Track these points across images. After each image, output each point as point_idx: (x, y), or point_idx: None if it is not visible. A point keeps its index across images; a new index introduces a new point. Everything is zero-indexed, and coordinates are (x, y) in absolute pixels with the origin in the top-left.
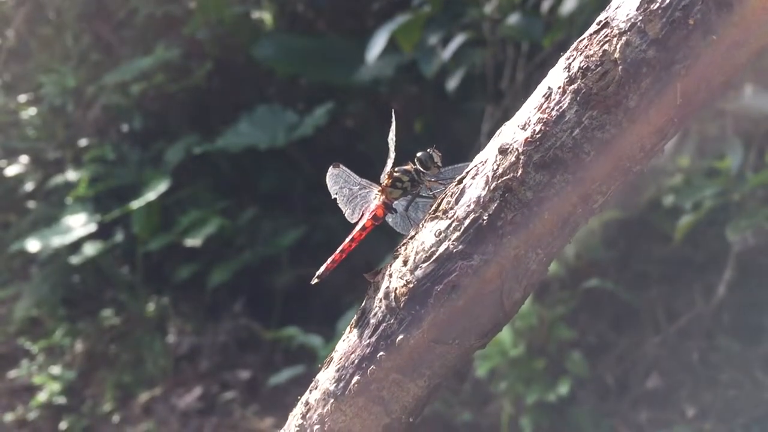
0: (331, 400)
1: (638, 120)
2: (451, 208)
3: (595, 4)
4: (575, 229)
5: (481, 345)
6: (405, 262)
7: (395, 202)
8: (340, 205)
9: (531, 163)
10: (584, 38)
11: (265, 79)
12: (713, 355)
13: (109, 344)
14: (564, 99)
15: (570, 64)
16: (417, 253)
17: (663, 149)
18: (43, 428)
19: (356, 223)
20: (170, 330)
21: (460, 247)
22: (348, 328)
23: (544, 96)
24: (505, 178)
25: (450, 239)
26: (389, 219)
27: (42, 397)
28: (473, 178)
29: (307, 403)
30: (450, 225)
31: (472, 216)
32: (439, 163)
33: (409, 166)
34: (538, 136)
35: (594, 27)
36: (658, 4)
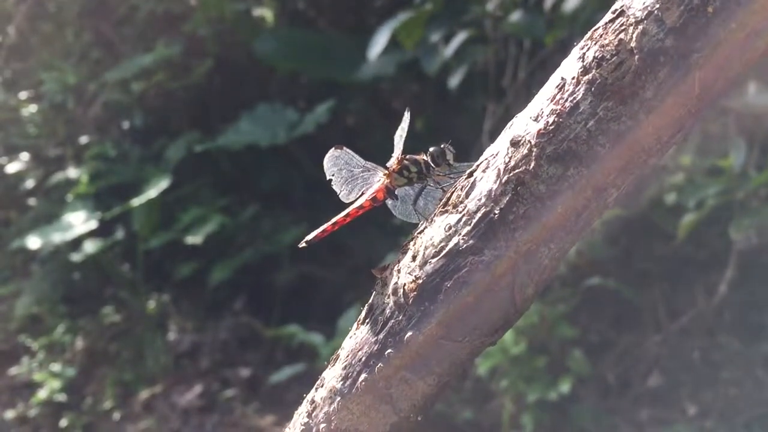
0: (338, 398)
1: (655, 111)
2: (462, 202)
3: (598, 2)
4: (589, 223)
5: (491, 342)
6: (414, 258)
7: (397, 189)
8: (334, 187)
9: (544, 155)
10: (599, 27)
11: (266, 77)
12: (714, 353)
13: (110, 342)
14: (578, 90)
15: (584, 53)
16: (426, 248)
17: (680, 141)
18: (44, 425)
19: (354, 201)
20: (171, 327)
21: (471, 242)
22: (355, 325)
23: (557, 87)
24: (517, 171)
25: (460, 234)
26: (389, 203)
27: (42, 394)
28: (484, 171)
29: (313, 402)
30: (460, 219)
31: (483, 210)
32: (451, 161)
33: (420, 157)
34: (551, 127)
35: (609, 16)
36: None
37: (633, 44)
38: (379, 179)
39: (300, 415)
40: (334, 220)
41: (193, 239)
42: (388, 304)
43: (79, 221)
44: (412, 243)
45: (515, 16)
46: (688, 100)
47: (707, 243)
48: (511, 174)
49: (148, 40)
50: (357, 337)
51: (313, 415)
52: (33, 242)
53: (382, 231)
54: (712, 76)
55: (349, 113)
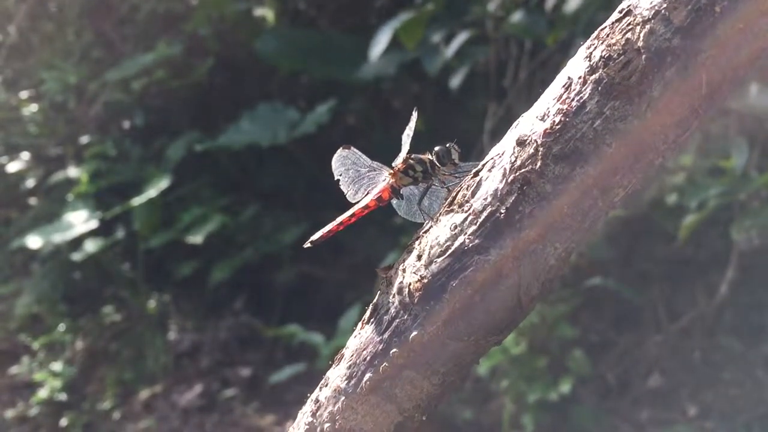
0: (342, 398)
1: (662, 111)
2: (467, 201)
3: (600, 2)
4: (595, 223)
5: (496, 341)
6: (419, 257)
7: (402, 189)
8: (342, 186)
9: (550, 155)
10: (606, 26)
11: (266, 77)
12: (715, 354)
13: (110, 341)
14: (585, 89)
15: (591, 53)
16: (432, 247)
17: (686, 141)
18: (44, 425)
19: (358, 201)
20: (171, 327)
21: (477, 241)
22: (360, 324)
23: (563, 86)
24: (523, 170)
25: (466, 233)
26: (394, 202)
27: (43, 393)
28: (490, 170)
29: (317, 401)
30: (466, 218)
31: (489, 209)
32: (457, 160)
33: (425, 156)
34: (557, 127)
35: (616, 15)
36: None
37: (640, 44)
38: (384, 179)
39: (304, 415)
40: (339, 220)
41: (194, 239)
42: (393, 303)
43: (79, 220)
44: (417, 242)
45: (516, 16)
46: (696, 100)
47: (708, 244)
48: (518, 173)
49: (149, 40)
50: (362, 337)
51: (317, 414)
52: (33, 241)
53: (383, 231)
54: (719, 75)
55: (350, 113)
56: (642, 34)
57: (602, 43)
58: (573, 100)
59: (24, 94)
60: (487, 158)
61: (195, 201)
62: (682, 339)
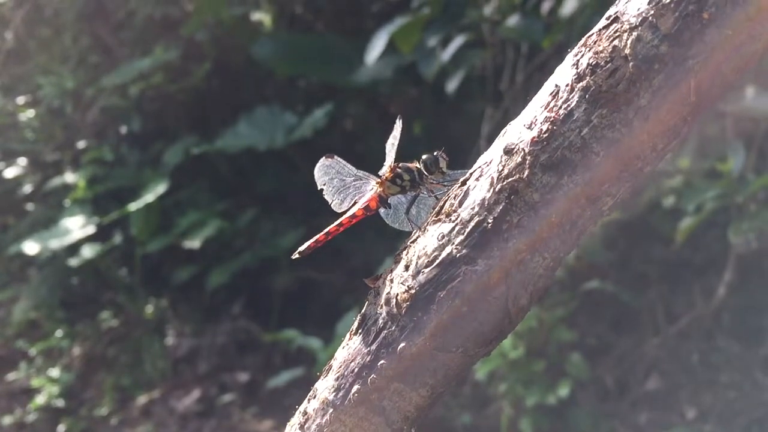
0: (330, 410)
1: (650, 118)
2: (455, 211)
3: (596, 6)
4: (583, 232)
5: (485, 353)
6: (407, 267)
7: (390, 197)
8: (326, 196)
9: (538, 163)
10: (593, 34)
11: (264, 81)
12: (713, 356)
13: (108, 346)
14: (572, 97)
15: (578, 60)
16: (419, 257)
17: (675, 149)
18: (42, 431)
19: (346, 210)
20: (169, 332)
21: (464, 251)
22: (348, 335)
23: (551, 94)
24: (510, 179)
25: (453, 243)
26: (381, 211)
27: (40, 399)
28: (477, 179)
29: (305, 413)
30: (453, 228)
31: (476, 219)
32: (445, 169)
33: (413, 165)
34: (545, 135)
35: (603, 22)
36: None
37: (627, 51)
38: (371, 188)
39: (292, 427)
40: (326, 230)
41: (191, 243)
42: (380, 314)
43: (76, 226)
44: (404, 252)
45: (512, 20)
46: (684, 108)
47: (706, 246)
48: (505, 182)
49: (145, 45)
50: (350, 348)
51: (305, 427)
52: (31, 247)
53: (381, 235)
54: (707, 82)
55: (347, 117)
56: (629, 42)
57: (589, 51)
58: (560, 108)
59: (21, 100)
60: (474, 167)
61: (192, 206)
62: (681, 341)
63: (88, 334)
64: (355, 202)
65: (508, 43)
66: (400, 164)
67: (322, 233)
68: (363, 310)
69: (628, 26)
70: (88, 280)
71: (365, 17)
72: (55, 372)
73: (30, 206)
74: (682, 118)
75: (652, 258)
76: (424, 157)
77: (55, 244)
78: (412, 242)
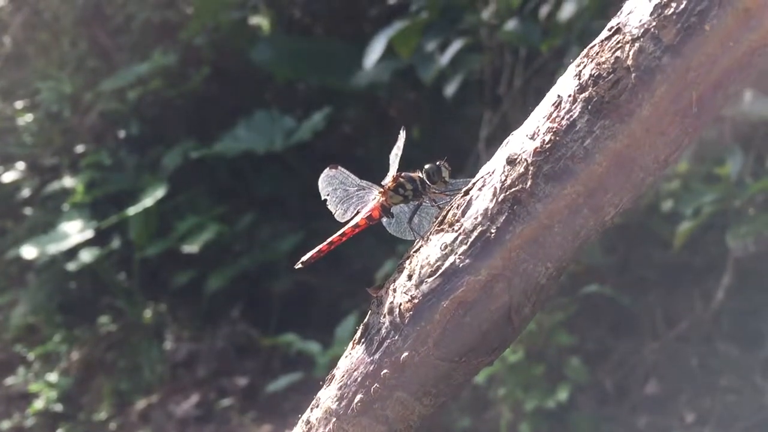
0: (334, 419)
1: (652, 129)
2: (458, 221)
3: (594, 11)
4: (586, 242)
5: (488, 362)
6: (410, 277)
7: (393, 207)
8: (329, 206)
9: (540, 174)
10: (595, 44)
11: (262, 85)
12: (712, 360)
13: (106, 351)
14: (575, 108)
15: (580, 71)
16: (422, 267)
17: (677, 160)
18: None
19: (349, 220)
20: (167, 336)
21: (467, 261)
22: (351, 344)
23: (553, 104)
24: (513, 189)
25: (456, 253)
26: (384, 221)
27: (39, 404)
28: (480, 189)
29: (308, 422)
30: (456, 238)
31: (479, 229)
32: (447, 178)
33: (415, 175)
34: (547, 146)
35: (605, 33)
36: (672, 9)
37: (630, 62)
38: (374, 197)
39: None
40: (329, 240)
41: (190, 247)
42: (383, 323)
43: (75, 230)
44: (407, 262)
45: (511, 24)
46: (686, 119)
47: (704, 250)
48: (508, 192)
49: (144, 49)
50: (352, 357)
51: None
52: (29, 252)
53: (380, 240)
54: (709, 93)
55: (346, 121)
56: (631, 53)
57: (592, 62)
58: (563, 118)
59: (19, 104)
60: (477, 177)
61: (191, 210)
62: (680, 345)
63: (87, 339)
64: (358, 212)
65: (507, 48)
66: (403, 174)
67: (325, 243)
68: (366, 320)
69: (630, 37)
70: (87, 284)
71: (363, 21)
72: (53, 377)
73: (28, 210)
74: (683, 130)
75: (651, 262)
76: (426, 166)
77: (54, 248)
78: (415, 252)
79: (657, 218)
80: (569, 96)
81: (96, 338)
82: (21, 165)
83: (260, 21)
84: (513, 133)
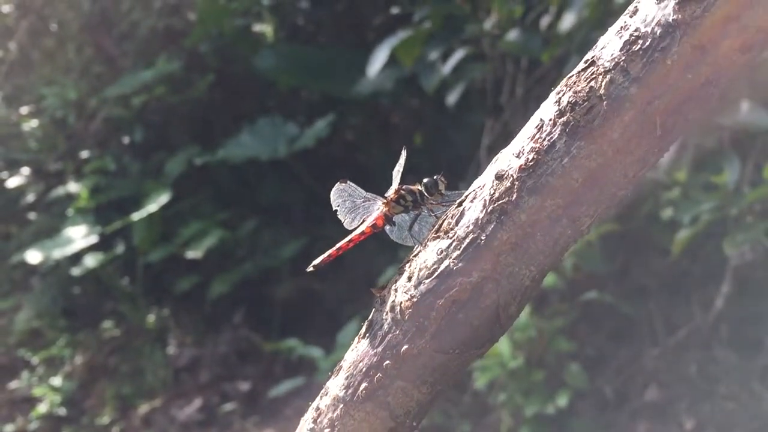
0: (341, 406)
1: (622, 150)
2: (452, 229)
3: (593, 22)
4: (566, 248)
5: (479, 354)
6: (409, 278)
7: (395, 216)
8: (339, 216)
9: (524, 188)
10: (573, 75)
11: (266, 92)
12: (711, 367)
13: (110, 355)
14: (554, 130)
15: (560, 98)
16: (420, 269)
17: (644, 176)
18: None
19: (356, 228)
20: (170, 341)
21: (460, 264)
22: (356, 339)
23: (536, 127)
24: (501, 201)
25: (451, 257)
26: (387, 228)
27: (42, 408)
28: (472, 201)
29: (317, 409)
30: (451, 244)
31: (471, 236)
32: (443, 191)
33: (415, 187)
34: (531, 163)
35: (582, 65)
36: (639, 46)
37: (602, 91)
38: (378, 207)
39: (306, 422)
40: (338, 245)
41: (193, 253)
42: (386, 320)
43: (79, 235)
44: (407, 265)
45: (512, 34)
46: (651, 141)
47: (704, 258)
48: (496, 204)
49: (149, 56)
50: (358, 350)
51: (318, 421)
52: (33, 256)
53: (381, 246)
54: (672, 119)
55: (349, 128)
56: (604, 83)
57: (570, 90)
58: (544, 140)
59: (24, 110)
60: (469, 190)
61: (194, 216)
62: (679, 352)
63: (90, 343)
64: (363, 221)
65: (508, 57)
66: (404, 186)
67: (334, 249)
68: (370, 317)
69: (602, 69)
70: (90, 289)
71: (367, 30)
72: (56, 381)
73: (33, 215)
74: (649, 150)
75: (650, 269)
76: (425, 180)
77: (58, 253)
78: (414, 256)
79: (657, 226)
80: (550, 120)
81: (99, 343)
82: (26, 170)
83: (264, 28)
84: (502, 151)
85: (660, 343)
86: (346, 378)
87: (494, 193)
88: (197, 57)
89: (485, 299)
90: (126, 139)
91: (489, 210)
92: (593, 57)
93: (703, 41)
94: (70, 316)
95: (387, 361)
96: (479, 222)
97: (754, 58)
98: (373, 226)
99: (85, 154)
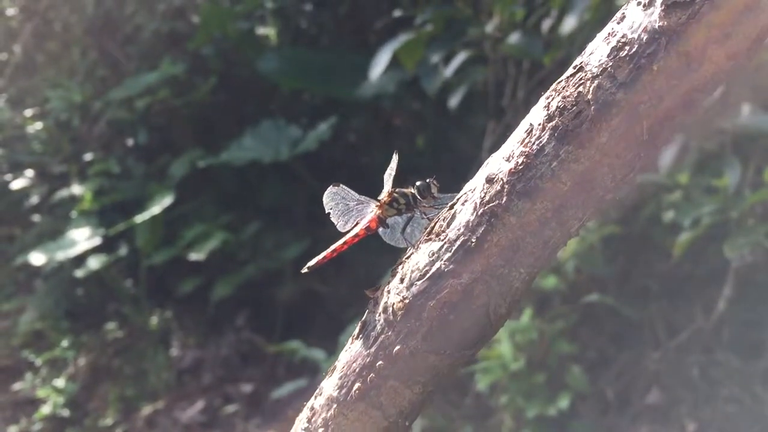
0: (335, 405)
1: (609, 154)
2: (443, 231)
3: (595, 24)
4: (555, 250)
5: (470, 355)
6: (402, 280)
7: (388, 219)
8: (332, 218)
9: (514, 191)
10: (562, 80)
11: (268, 94)
12: (713, 370)
13: (113, 357)
14: (543, 135)
15: (549, 103)
16: (412, 271)
17: (632, 180)
18: None
19: (350, 230)
20: (173, 343)
21: (451, 266)
22: (350, 340)
23: (526, 131)
24: (491, 204)
25: (442, 259)
26: (380, 231)
27: (45, 409)
28: (463, 204)
29: (312, 408)
30: (442, 246)
31: (461, 239)
32: (436, 194)
33: (408, 190)
34: (520, 167)
35: (570, 71)
36: (626, 52)
37: (590, 96)
38: (371, 210)
39: (300, 421)
40: (332, 247)
41: (196, 255)
42: (379, 321)
43: (82, 237)
44: (400, 267)
45: (514, 37)
46: (638, 145)
47: (705, 260)
48: (486, 207)
49: (152, 59)
50: (351, 351)
51: (312, 420)
52: (37, 258)
53: (383, 248)
54: (658, 124)
55: (351, 130)
56: (591, 88)
57: (558, 95)
58: (534, 144)
59: (29, 112)
60: (460, 193)
61: (197, 218)
62: (681, 355)
63: (93, 345)
64: (357, 223)
65: (510, 60)
66: (397, 190)
67: (329, 250)
68: (363, 318)
69: (590, 75)
70: (94, 291)
71: (369, 33)
72: (60, 382)
73: (37, 217)
74: (636, 154)
75: (652, 272)
76: (417, 183)
77: (61, 255)
78: (407, 258)
79: (658, 229)
80: (539, 124)
81: (103, 344)
82: (30, 172)
83: (267, 31)
84: (492, 155)
85: (661, 345)
86: (340, 378)
87: (485, 196)
88: (201, 60)
89: (476, 300)
90: (130, 142)
91: (480, 213)
92: (581, 63)
93: (689, 48)
94: (74, 318)
95: (380, 362)
96: (470, 224)
97: (739, 64)
98: (367, 228)
99: (88, 156)
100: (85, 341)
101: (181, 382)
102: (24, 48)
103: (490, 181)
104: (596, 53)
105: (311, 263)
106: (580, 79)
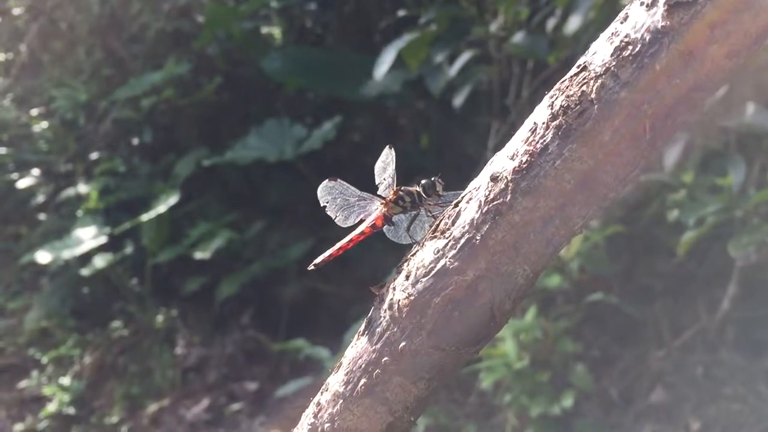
0: (341, 401)
1: (612, 152)
2: (448, 229)
3: (599, 24)
4: (558, 248)
5: (474, 351)
6: (407, 277)
7: (393, 216)
8: (329, 212)
9: (518, 189)
10: (565, 80)
11: (273, 93)
12: (717, 369)
13: (118, 355)
14: (547, 133)
15: (553, 102)
16: (418, 268)
17: (635, 178)
18: None
19: (355, 227)
20: (178, 342)
21: (456, 263)
22: (356, 336)
23: (530, 130)
24: (495, 202)
25: (447, 256)
26: (385, 228)
27: (51, 407)
28: (468, 202)
29: (318, 404)
30: (447, 244)
31: (466, 236)
32: (441, 192)
33: (413, 188)
34: (524, 165)
35: (574, 70)
36: (629, 52)
37: (593, 95)
38: (376, 207)
39: (306, 416)
40: (338, 245)
41: (201, 254)
42: (384, 317)
43: (88, 236)
44: (405, 264)
45: (518, 37)
46: (640, 144)
47: (710, 259)
48: (491, 205)
49: (158, 58)
50: (357, 347)
51: (318, 416)
52: (43, 257)
53: (388, 247)
54: (660, 123)
55: (356, 129)
56: (595, 88)
57: (562, 94)
58: (537, 142)
59: (35, 112)
60: (465, 191)
61: (203, 217)
62: (685, 354)
63: (99, 343)
64: (362, 220)
65: (514, 59)
66: (402, 188)
67: (335, 248)
68: (369, 314)
69: (594, 74)
70: (100, 289)
71: (374, 32)
72: (66, 380)
73: (43, 216)
74: (639, 153)
75: (656, 271)
76: (423, 181)
77: (67, 253)
78: (412, 255)
79: (663, 228)
80: (543, 123)
81: (108, 343)
82: (36, 171)
83: (272, 31)
84: (496, 153)
85: (666, 344)
86: (346, 374)
87: (489, 194)
88: (206, 59)
89: (480, 297)
90: (135, 141)
91: (484, 211)
92: (585, 62)
93: (691, 47)
94: (80, 316)
95: (385, 358)
96: (474, 222)
97: (740, 64)
98: (373, 226)
99: (94, 155)
100: (90, 339)
101: (186, 380)
102: (30, 47)
103: (494, 179)
104: (600, 53)
105: (318, 261)
106: (584, 78)
